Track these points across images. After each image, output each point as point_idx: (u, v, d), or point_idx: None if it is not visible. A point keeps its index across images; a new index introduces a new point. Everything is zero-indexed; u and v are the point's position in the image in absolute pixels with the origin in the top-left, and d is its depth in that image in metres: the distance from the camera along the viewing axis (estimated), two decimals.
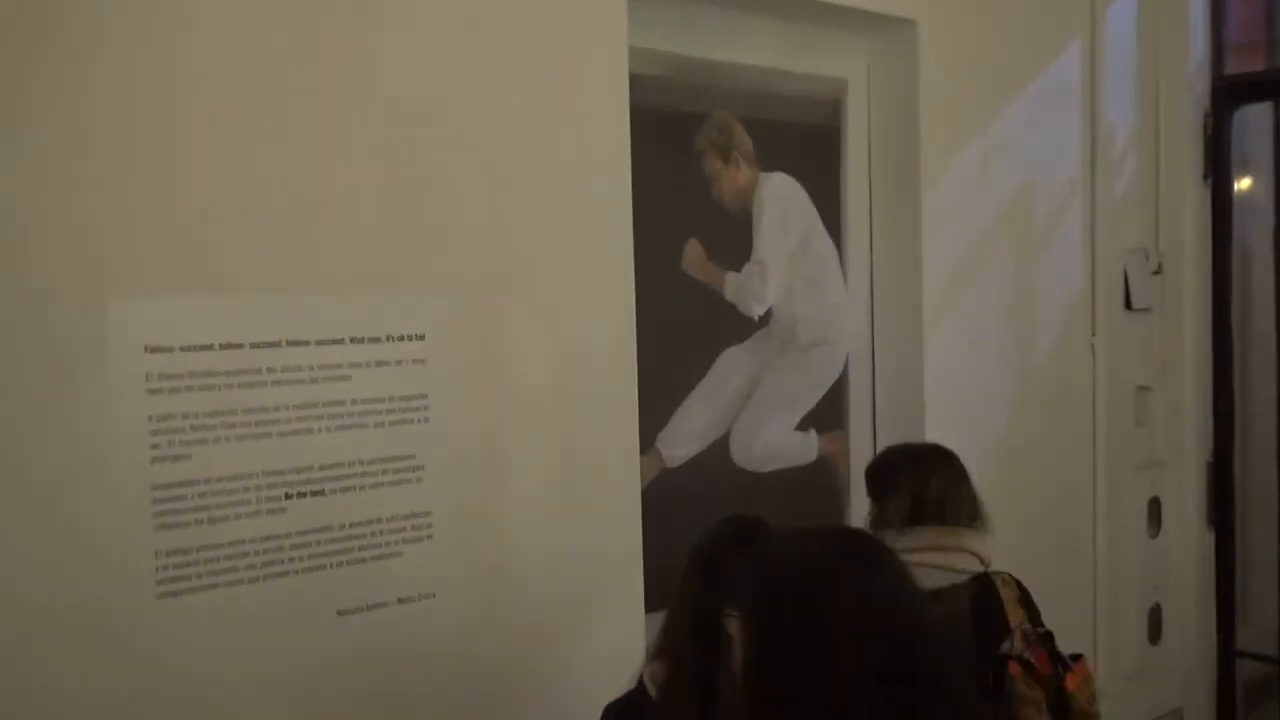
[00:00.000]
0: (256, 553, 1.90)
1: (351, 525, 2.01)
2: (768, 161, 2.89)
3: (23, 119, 1.68)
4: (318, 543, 1.97)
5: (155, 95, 1.79)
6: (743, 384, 2.88)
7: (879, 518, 2.38)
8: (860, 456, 3.11)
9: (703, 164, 2.77)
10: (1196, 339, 3.87)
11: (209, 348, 1.85)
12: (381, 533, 2.05)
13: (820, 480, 3.05)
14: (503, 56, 2.19)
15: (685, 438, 2.75)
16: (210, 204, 1.85)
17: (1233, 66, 3.83)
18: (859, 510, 3.10)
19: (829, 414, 3.06)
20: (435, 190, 2.10)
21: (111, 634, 1.76)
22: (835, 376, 3.07)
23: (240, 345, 1.88)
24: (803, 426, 3.01)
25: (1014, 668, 2.18)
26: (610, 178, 2.38)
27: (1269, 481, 3.83)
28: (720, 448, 2.83)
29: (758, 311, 2.89)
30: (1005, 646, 2.21)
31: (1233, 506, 3.90)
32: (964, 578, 2.26)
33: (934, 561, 2.25)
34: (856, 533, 1.62)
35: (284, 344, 1.93)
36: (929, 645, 1.39)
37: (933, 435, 3.04)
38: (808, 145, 3.00)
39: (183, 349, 1.82)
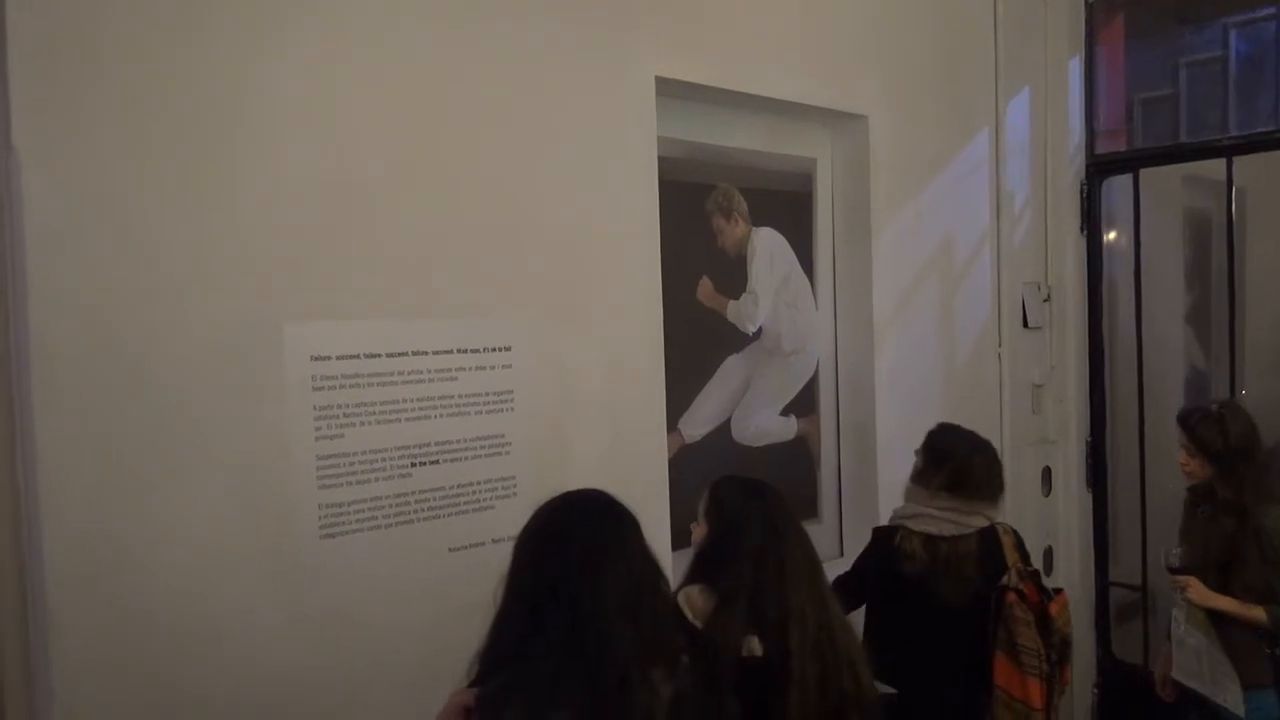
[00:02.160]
0: (391, 506, 1.91)
1: (459, 486, 2.02)
2: (758, 218, 2.89)
3: (229, 203, 1.72)
4: (434, 499, 1.98)
5: (317, 180, 1.82)
6: (740, 383, 2.87)
7: (921, 476, 2.39)
8: (828, 434, 3.11)
9: (711, 221, 2.78)
10: (1076, 349, 3.84)
11: (356, 356, 1.87)
12: (480, 492, 2.05)
13: (798, 451, 3.04)
14: (568, 147, 2.21)
15: (699, 421, 2.74)
16: (358, 254, 1.88)
17: (1101, 147, 3.80)
18: (827, 470, 3.11)
19: (804, 403, 3.05)
20: (519, 244, 2.12)
21: (287, 565, 1.78)
22: (809, 376, 3.06)
23: (378, 355, 1.90)
24: (785, 413, 3.00)
25: (1010, 596, 2.21)
26: (645, 232, 2.39)
27: (1132, 455, 3.79)
28: (724, 429, 2.82)
29: (751, 329, 2.88)
30: (1004, 580, 2.24)
31: (1105, 473, 3.86)
32: (973, 530, 2.28)
33: (952, 518, 2.28)
34: (587, 494, 1.50)
35: (410, 353, 1.94)
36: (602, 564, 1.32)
37: (882, 421, 3.04)
38: (788, 206, 3.00)
39: (337, 358, 1.85)
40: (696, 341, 2.70)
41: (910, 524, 2.32)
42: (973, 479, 2.33)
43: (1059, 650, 2.25)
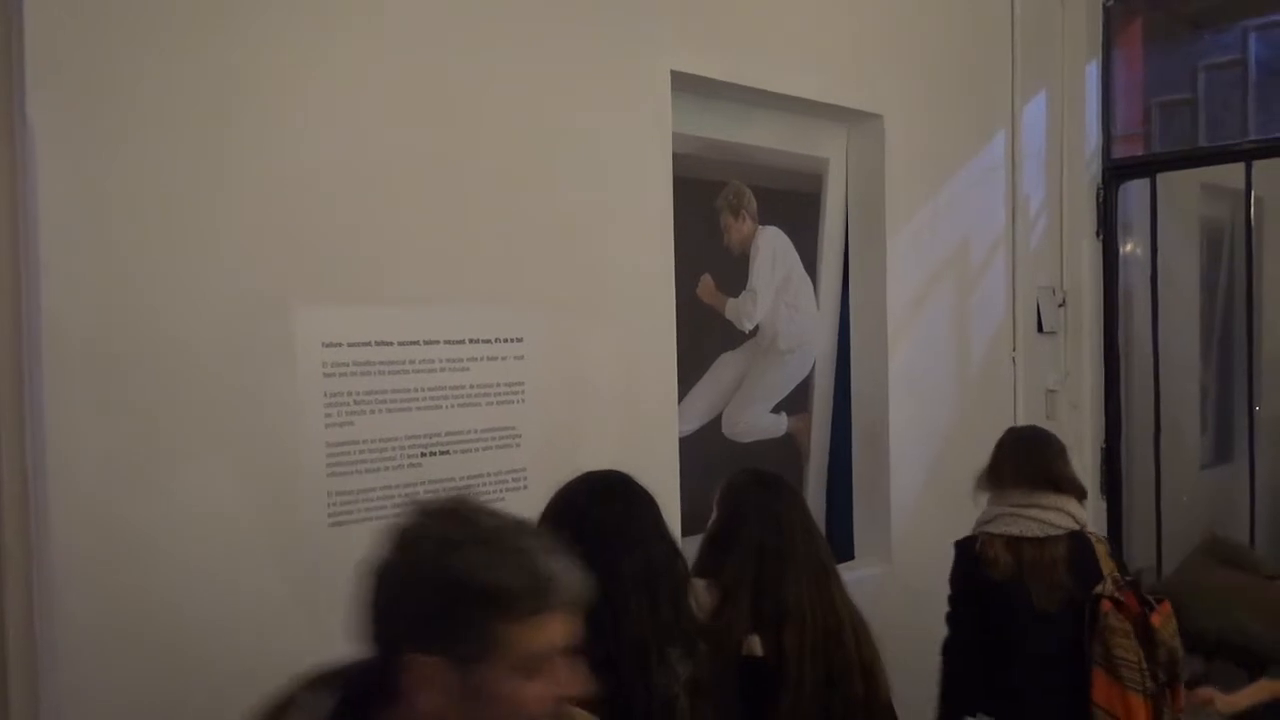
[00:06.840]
0: (400, 496, 1.89)
1: (469, 478, 2.00)
2: (765, 217, 2.88)
3: (244, 187, 1.72)
4: (444, 490, 1.95)
5: (333, 167, 1.82)
6: (732, 379, 2.85)
7: (989, 476, 2.34)
8: (821, 433, 3.11)
9: (720, 218, 2.77)
10: (1091, 355, 3.82)
11: (368, 344, 1.87)
12: (490, 484, 2.04)
13: (787, 448, 3.01)
14: (584, 140, 2.21)
15: (689, 417, 2.69)
16: (371, 242, 1.87)
17: (1118, 151, 3.78)
18: (816, 466, 3.10)
19: (796, 401, 3.02)
20: (533, 236, 2.12)
21: (296, 552, 1.77)
22: (804, 375, 3.04)
23: (390, 343, 1.90)
24: (776, 410, 2.98)
25: (1106, 604, 2.10)
26: (658, 226, 2.38)
27: (1146, 462, 3.78)
28: (714, 424, 2.80)
29: (749, 326, 2.86)
30: (1099, 588, 2.13)
31: (1120, 481, 3.84)
32: (1061, 531, 2.19)
33: (1033, 515, 2.20)
34: (606, 475, 1.55)
35: (422, 342, 1.94)
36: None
37: (896, 424, 3.02)
38: (795, 206, 2.98)
39: (349, 344, 1.84)
40: (693, 339, 2.68)
41: (989, 528, 2.24)
42: (1030, 451, 2.28)
43: (1166, 668, 2.10)
